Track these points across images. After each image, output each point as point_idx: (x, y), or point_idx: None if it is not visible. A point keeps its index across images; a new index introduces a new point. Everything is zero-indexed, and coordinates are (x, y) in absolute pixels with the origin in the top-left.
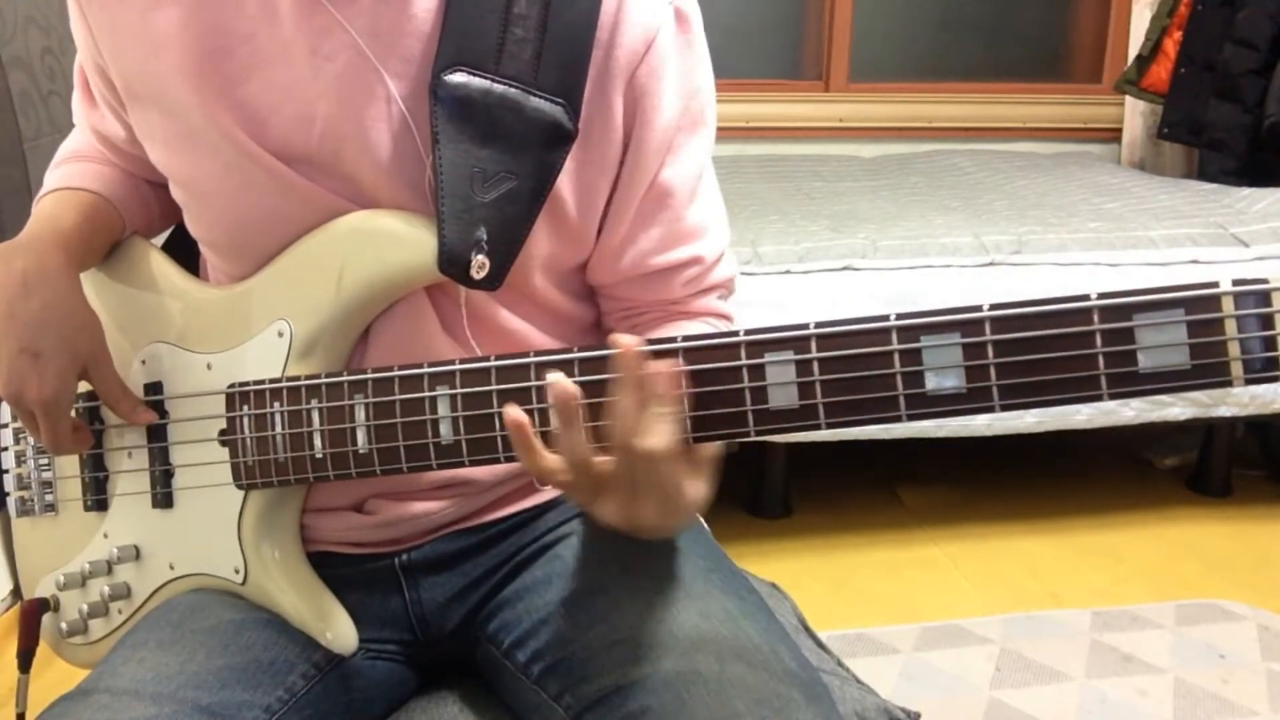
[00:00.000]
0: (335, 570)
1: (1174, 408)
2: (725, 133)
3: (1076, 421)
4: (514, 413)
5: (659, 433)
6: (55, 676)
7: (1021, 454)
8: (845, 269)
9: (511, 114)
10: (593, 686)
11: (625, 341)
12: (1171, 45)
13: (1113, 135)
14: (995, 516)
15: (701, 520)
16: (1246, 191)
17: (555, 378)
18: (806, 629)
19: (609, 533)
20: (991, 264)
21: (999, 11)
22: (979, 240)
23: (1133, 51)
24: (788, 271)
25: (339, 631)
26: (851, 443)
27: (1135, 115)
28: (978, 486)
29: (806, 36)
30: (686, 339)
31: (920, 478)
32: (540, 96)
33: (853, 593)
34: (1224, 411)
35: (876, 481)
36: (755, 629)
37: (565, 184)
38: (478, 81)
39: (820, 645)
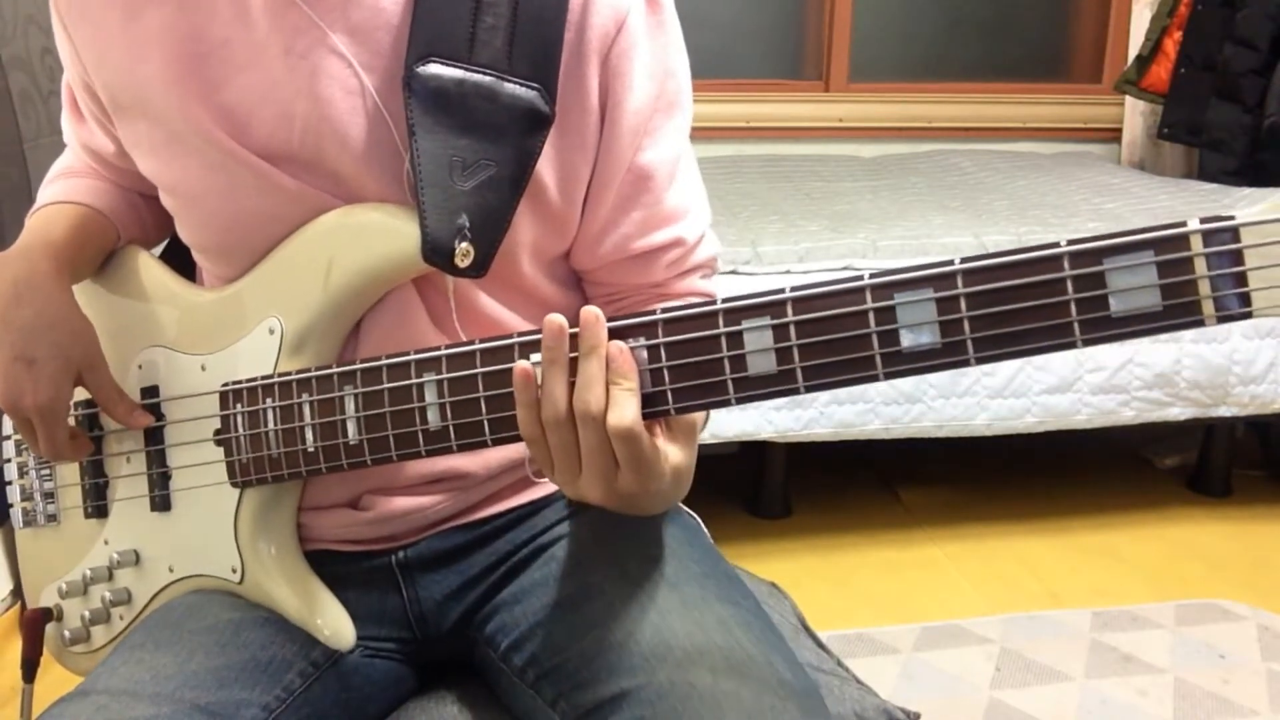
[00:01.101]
0: (333, 569)
1: (1174, 408)
2: (725, 133)
3: (1076, 421)
4: (522, 364)
5: (624, 406)
6: (55, 678)
7: (1021, 454)
8: (845, 269)
9: (487, 102)
10: (587, 694)
11: (587, 311)
12: (1171, 45)
13: (1113, 135)
14: (995, 516)
15: (699, 521)
16: (1246, 191)
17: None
18: (806, 629)
19: (604, 535)
20: None
21: (999, 11)
22: (979, 240)
23: (1133, 51)
24: (788, 271)
25: (336, 627)
26: (851, 443)
27: (1135, 115)
28: (978, 486)
29: (806, 36)
30: (665, 309)
31: (920, 478)
32: (515, 82)
33: (853, 593)
34: (1224, 411)
35: (876, 481)
36: (750, 638)
37: (546, 169)
38: (451, 71)
39: (820, 645)
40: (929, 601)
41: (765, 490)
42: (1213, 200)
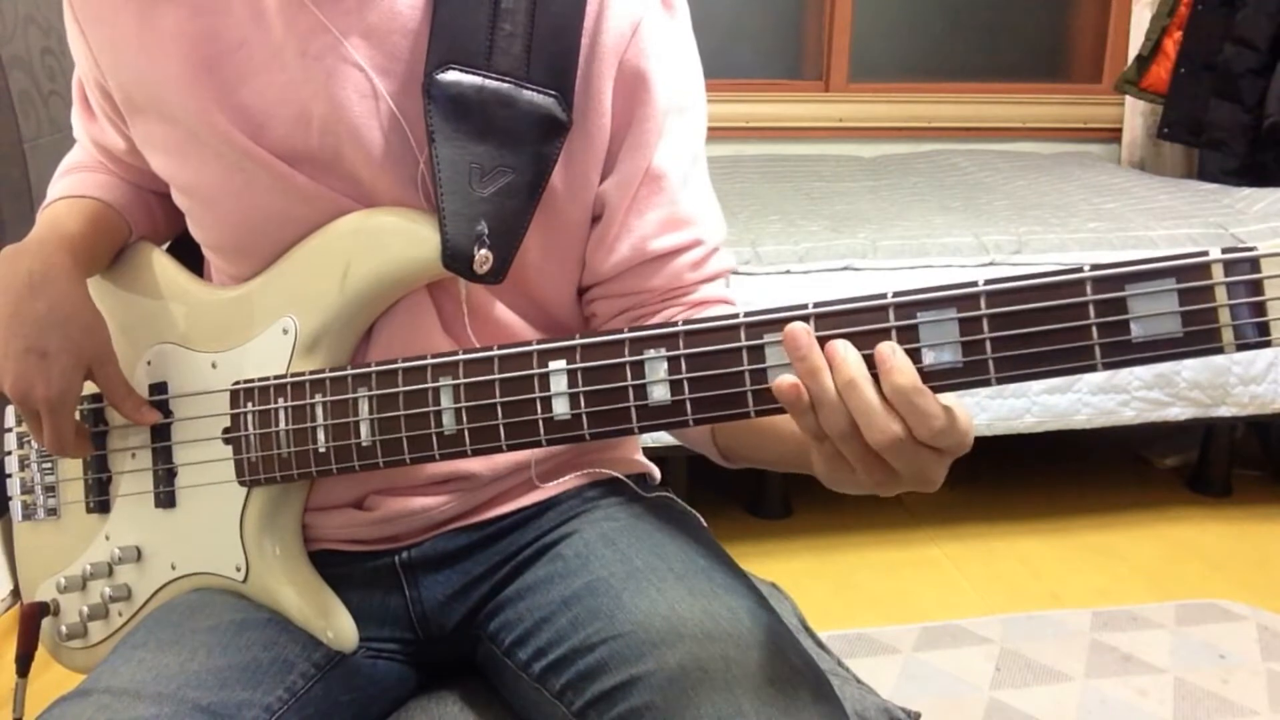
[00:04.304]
0: (336, 569)
1: (1174, 408)
2: (725, 133)
3: (1076, 421)
4: (786, 379)
5: (903, 368)
6: (53, 679)
7: (1021, 454)
8: (845, 269)
9: (505, 108)
10: (595, 683)
11: (794, 328)
12: (1171, 45)
13: (1113, 135)
14: (995, 516)
15: (701, 519)
16: (1246, 191)
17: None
18: (806, 629)
19: (610, 534)
20: (991, 264)
21: (999, 11)
22: (979, 240)
23: (1133, 51)
24: (788, 271)
25: (340, 628)
26: None
27: (1135, 115)
28: (978, 486)
29: (806, 36)
30: (687, 322)
31: None
32: (532, 89)
33: (853, 593)
34: (1224, 411)
35: None
36: (760, 627)
37: (556, 174)
38: (470, 78)
39: (820, 645)
40: (929, 601)
41: (765, 490)
42: (1213, 200)
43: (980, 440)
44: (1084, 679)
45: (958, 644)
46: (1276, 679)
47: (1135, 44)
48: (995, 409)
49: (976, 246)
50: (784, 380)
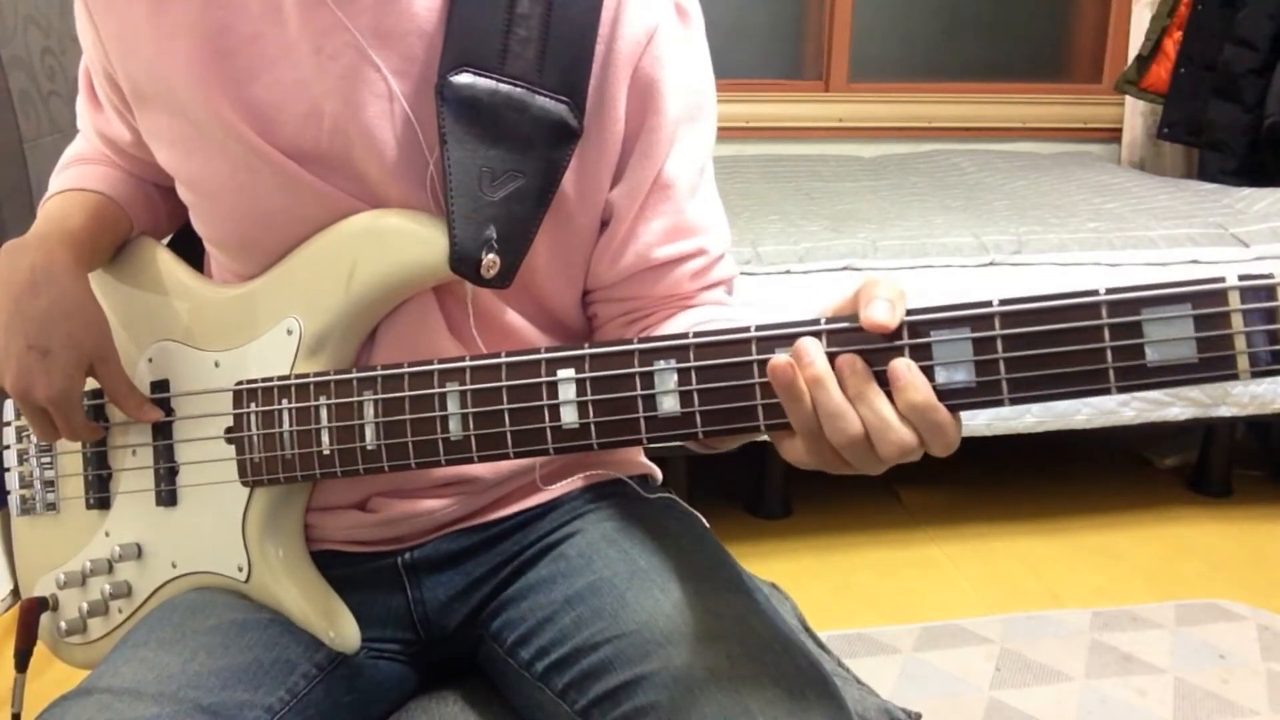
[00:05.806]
0: (338, 570)
1: (1174, 408)
2: (725, 133)
3: (1076, 421)
4: (778, 359)
5: (918, 385)
6: (55, 677)
7: (1021, 454)
8: (845, 269)
9: (517, 113)
10: (599, 683)
11: (805, 342)
12: (1171, 45)
13: (1113, 135)
14: (995, 516)
15: (703, 520)
16: (1246, 191)
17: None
18: (806, 629)
19: (613, 535)
20: (991, 264)
21: (999, 11)
22: (979, 240)
23: (1133, 51)
24: (788, 271)
25: (342, 630)
26: None
27: (1135, 115)
28: (978, 486)
29: (806, 36)
30: (698, 334)
31: (920, 478)
32: (545, 95)
33: (853, 593)
34: (1224, 411)
35: (876, 481)
36: (764, 626)
37: (568, 179)
38: (483, 82)
39: (820, 645)
40: (929, 601)
41: (765, 490)
42: (1213, 200)
43: (980, 440)
44: (1084, 679)
45: (958, 644)
46: (1276, 679)
47: (1135, 44)
48: (995, 408)
49: (976, 246)
50: (778, 359)
